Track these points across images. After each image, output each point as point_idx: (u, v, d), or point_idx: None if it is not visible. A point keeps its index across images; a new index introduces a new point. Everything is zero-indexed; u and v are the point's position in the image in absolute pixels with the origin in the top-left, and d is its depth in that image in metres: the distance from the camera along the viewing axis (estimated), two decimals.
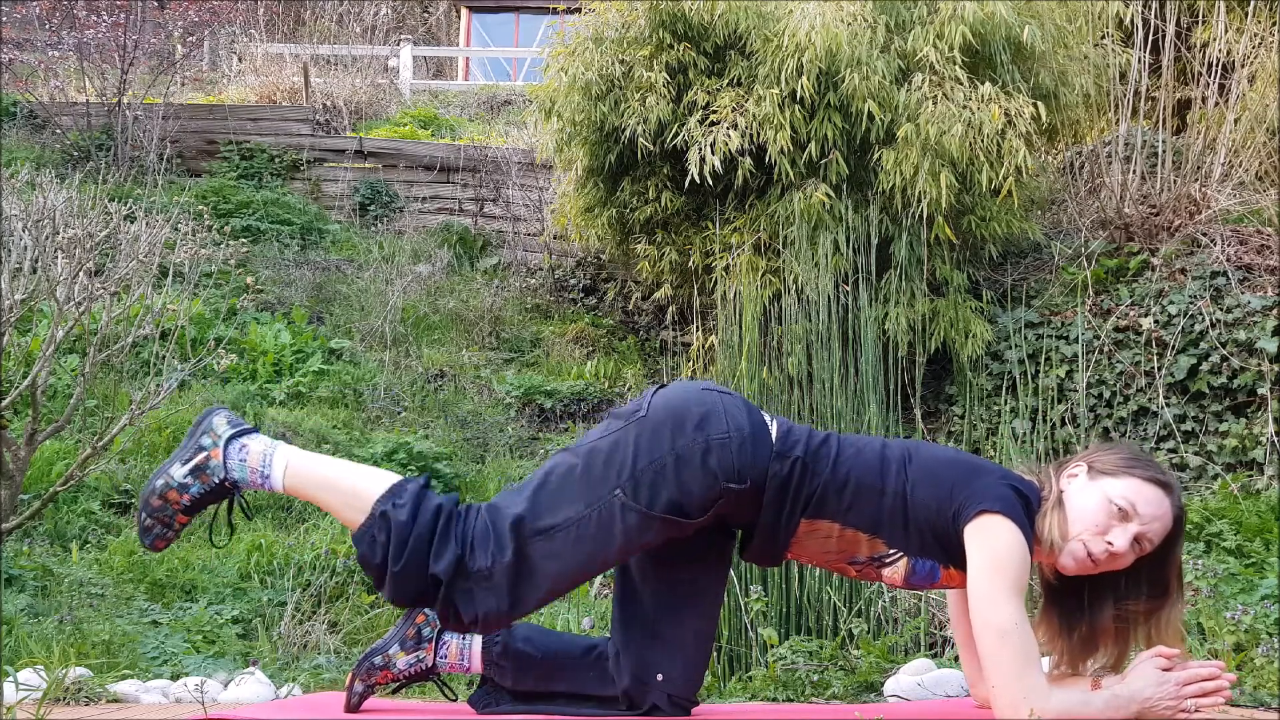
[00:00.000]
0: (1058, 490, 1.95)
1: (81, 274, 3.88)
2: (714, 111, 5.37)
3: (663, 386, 2.04)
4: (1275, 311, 4.71)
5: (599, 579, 4.24)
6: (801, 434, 1.99)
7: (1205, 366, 4.75)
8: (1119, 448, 2.00)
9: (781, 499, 1.95)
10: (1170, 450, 4.69)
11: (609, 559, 1.94)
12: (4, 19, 10.93)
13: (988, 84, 5.10)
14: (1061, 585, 2.01)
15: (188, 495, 1.95)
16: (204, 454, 1.96)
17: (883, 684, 2.58)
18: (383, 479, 1.94)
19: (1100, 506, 1.90)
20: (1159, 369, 4.82)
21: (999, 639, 1.80)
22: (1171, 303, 4.95)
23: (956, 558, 1.93)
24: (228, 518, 2.03)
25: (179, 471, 1.95)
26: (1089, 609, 1.99)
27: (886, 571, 1.98)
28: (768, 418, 2.00)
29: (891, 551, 1.96)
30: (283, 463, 1.94)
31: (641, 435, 1.92)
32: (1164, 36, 5.68)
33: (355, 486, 1.93)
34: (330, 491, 1.94)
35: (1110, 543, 1.88)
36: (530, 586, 1.89)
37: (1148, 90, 5.73)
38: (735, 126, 5.24)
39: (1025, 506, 1.90)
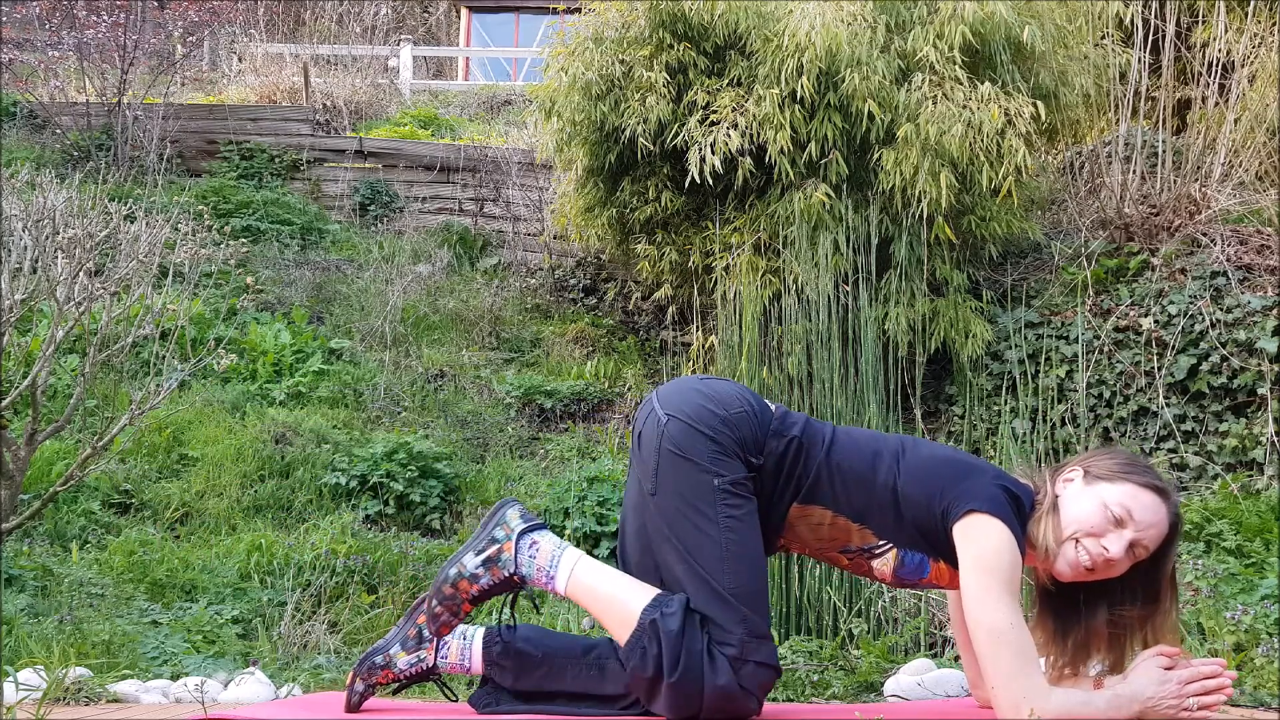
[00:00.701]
0: (1052, 495, 1.95)
1: (81, 274, 3.88)
2: (714, 111, 5.37)
3: (660, 390, 2.08)
4: (1275, 311, 4.71)
5: None
6: (799, 418, 2.05)
7: (1205, 366, 4.75)
8: (1116, 452, 2.01)
9: (775, 478, 1.99)
10: (1170, 450, 4.69)
11: (758, 525, 1.98)
12: (4, 19, 10.93)
13: (988, 84, 5.10)
14: (1057, 590, 2.01)
15: (477, 586, 2.04)
16: (497, 546, 2.04)
17: (883, 684, 2.58)
18: (647, 591, 1.97)
19: (1096, 511, 1.89)
20: (1159, 369, 4.82)
21: (994, 640, 1.80)
22: (1171, 303, 4.94)
23: (945, 554, 1.94)
24: (512, 606, 2.11)
25: (472, 561, 2.04)
26: (1084, 614, 1.99)
27: (876, 564, 2.01)
28: (769, 403, 2.07)
29: (881, 543, 1.98)
30: (568, 570, 2.01)
31: (679, 441, 1.97)
32: (1164, 36, 5.68)
33: (625, 598, 1.97)
34: (607, 603, 1.99)
35: (1105, 548, 1.88)
36: (759, 607, 1.93)
37: (1148, 90, 5.73)
38: (735, 126, 5.24)
39: (1016, 508, 1.90)
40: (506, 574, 2.03)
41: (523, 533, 2.04)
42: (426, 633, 2.14)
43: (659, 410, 2.02)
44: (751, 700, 1.90)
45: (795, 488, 1.99)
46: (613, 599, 1.97)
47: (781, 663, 2.76)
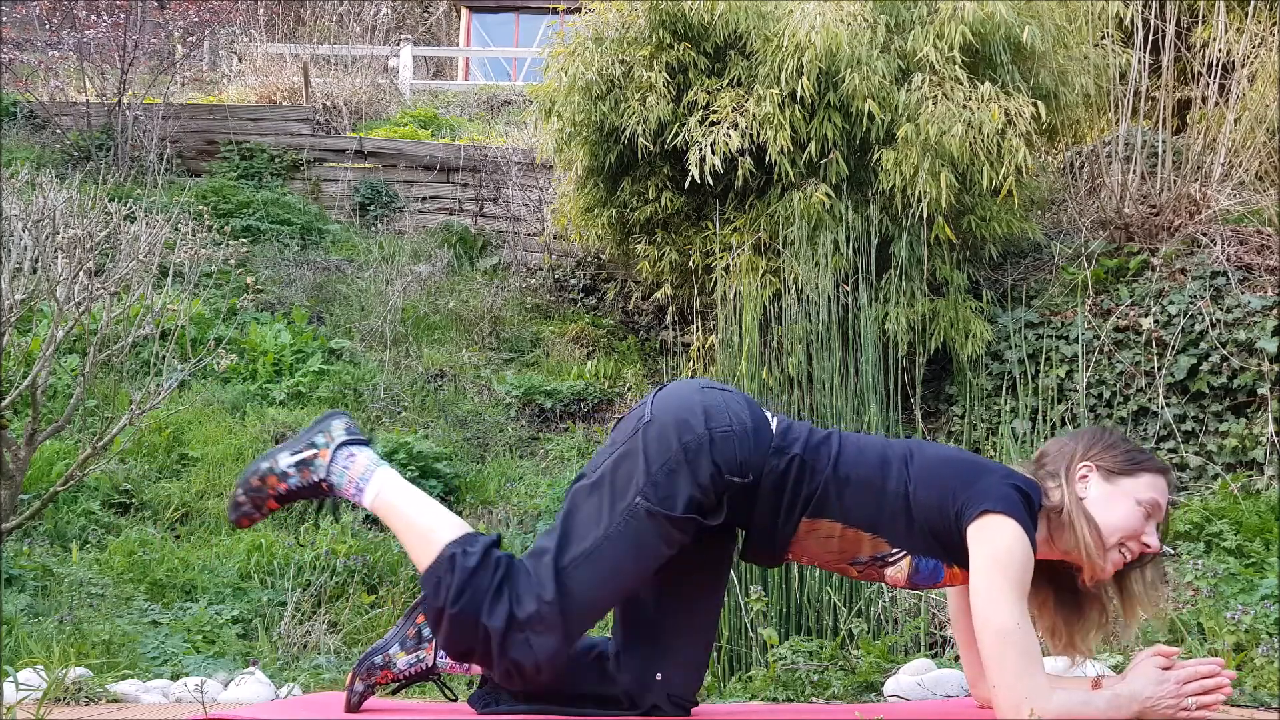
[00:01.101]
0: (1075, 498, 1.94)
1: (81, 274, 3.88)
2: (714, 111, 5.37)
3: (662, 388, 2.05)
4: (1275, 311, 4.71)
5: None
6: (801, 431, 2.00)
7: (1205, 366, 4.75)
8: (1109, 438, 2.00)
9: (778, 496, 1.95)
10: (1170, 450, 4.69)
11: (647, 567, 1.94)
12: (4, 19, 10.93)
13: (988, 84, 5.10)
14: (1063, 573, 2.02)
15: (285, 484, 2.01)
16: (314, 451, 2.02)
17: (883, 684, 2.58)
18: (458, 526, 1.97)
19: (1132, 511, 1.92)
20: (1159, 369, 4.82)
21: (1001, 639, 1.80)
22: (1171, 303, 4.94)
23: (959, 557, 1.93)
24: (316, 512, 2.08)
25: (285, 460, 2.02)
26: (1088, 592, 2.01)
27: (889, 571, 1.98)
28: (769, 414, 2.01)
29: (894, 551, 1.96)
30: (378, 485, 2.00)
31: (649, 440, 1.93)
32: (1164, 36, 5.68)
33: (431, 527, 1.96)
34: (409, 528, 1.98)
35: (1147, 544, 1.93)
36: (579, 618, 1.91)
37: (1148, 90, 5.73)
38: (735, 126, 5.24)
39: (1028, 506, 1.91)
40: (316, 479, 2.00)
41: (343, 444, 2.02)
42: (426, 632, 2.14)
43: (648, 410, 1.99)
44: (509, 665, 1.87)
45: (804, 503, 1.95)
46: (418, 524, 1.97)
47: (781, 662, 2.76)
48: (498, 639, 1.86)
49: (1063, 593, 2.02)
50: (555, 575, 1.88)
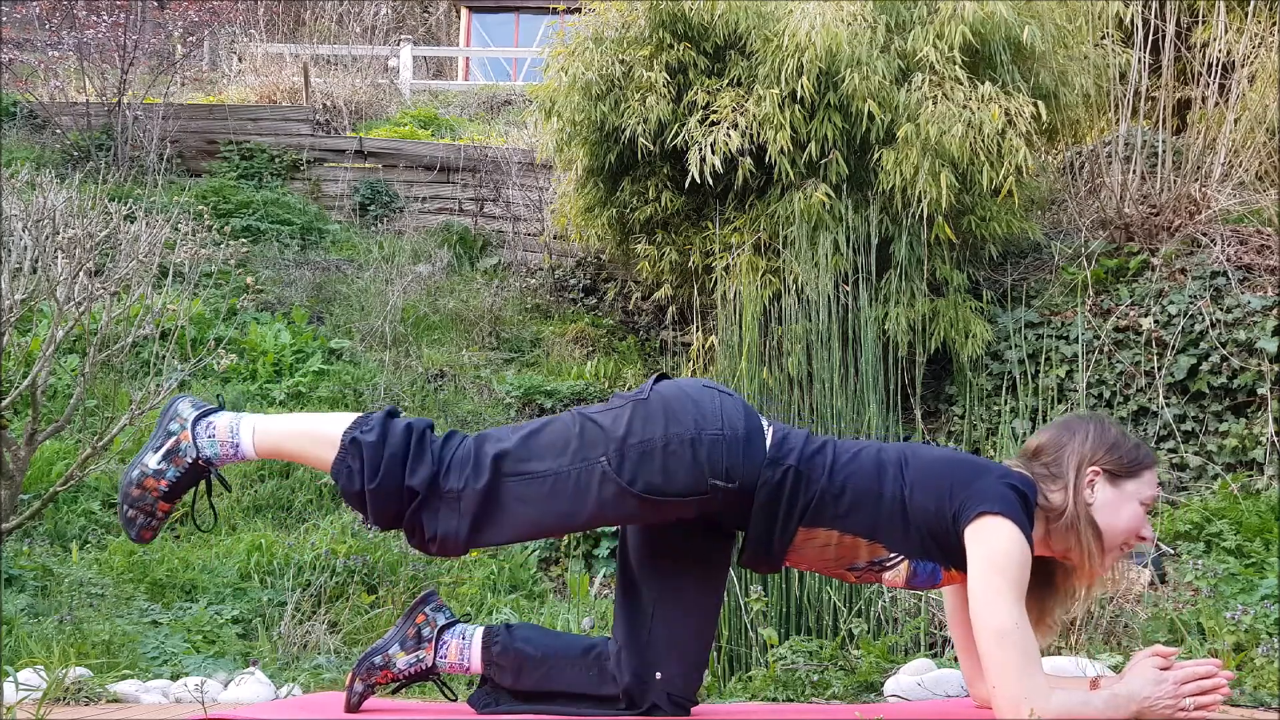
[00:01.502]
0: (1084, 505, 1.94)
1: (81, 274, 3.89)
2: (714, 111, 5.37)
3: (666, 376, 2.05)
4: (1275, 311, 4.71)
5: (599, 577, 4.24)
6: (797, 441, 1.98)
7: (1205, 366, 4.75)
8: (1108, 436, 2.00)
9: (774, 507, 1.94)
10: (1170, 450, 4.69)
11: (575, 522, 1.95)
12: (4, 19, 10.93)
13: (988, 84, 5.10)
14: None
15: (164, 480, 1.97)
16: (173, 438, 1.99)
17: (883, 684, 2.58)
18: (347, 416, 1.98)
19: (1136, 513, 1.97)
20: (1159, 369, 4.82)
21: (998, 639, 1.80)
22: (1171, 303, 4.94)
23: (957, 559, 1.93)
24: (208, 496, 2.05)
25: (152, 460, 1.98)
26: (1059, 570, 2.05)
27: (888, 575, 1.98)
28: (765, 423, 1.99)
29: (892, 555, 1.96)
30: (249, 428, 1.98)
31: (636, 415, 1.93)
32: (1164, 36, 5.68)
33: (321, 428, 1.97)
34: (300, 440, 1.97)
35: (1144, 536, 1.99)
36: (492, 521, 1.91)
37: (1148, 90, 5.73)
38: (735, 126, 5.24)
39: (1024, 505, 1.91)
40: (190, 460, 1.97)
41: (197, 418, 2.00)
42: (426, 632, 2.15)
43: (648, 390, 2.00)
44: (413, 523, 1.90)
45: (801, 513, 1.95)
46: (309, 435, 1.97)
47: (781, 662, 2.77)
48: (420, 499, 1.88)
49: (1040, 575, 2.03)
50: (493, 472, 1.90)
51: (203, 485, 2.02)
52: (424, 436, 1.93)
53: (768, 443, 1.96)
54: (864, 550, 1.96)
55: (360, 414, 1.97)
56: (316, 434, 1.96)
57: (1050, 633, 2.07)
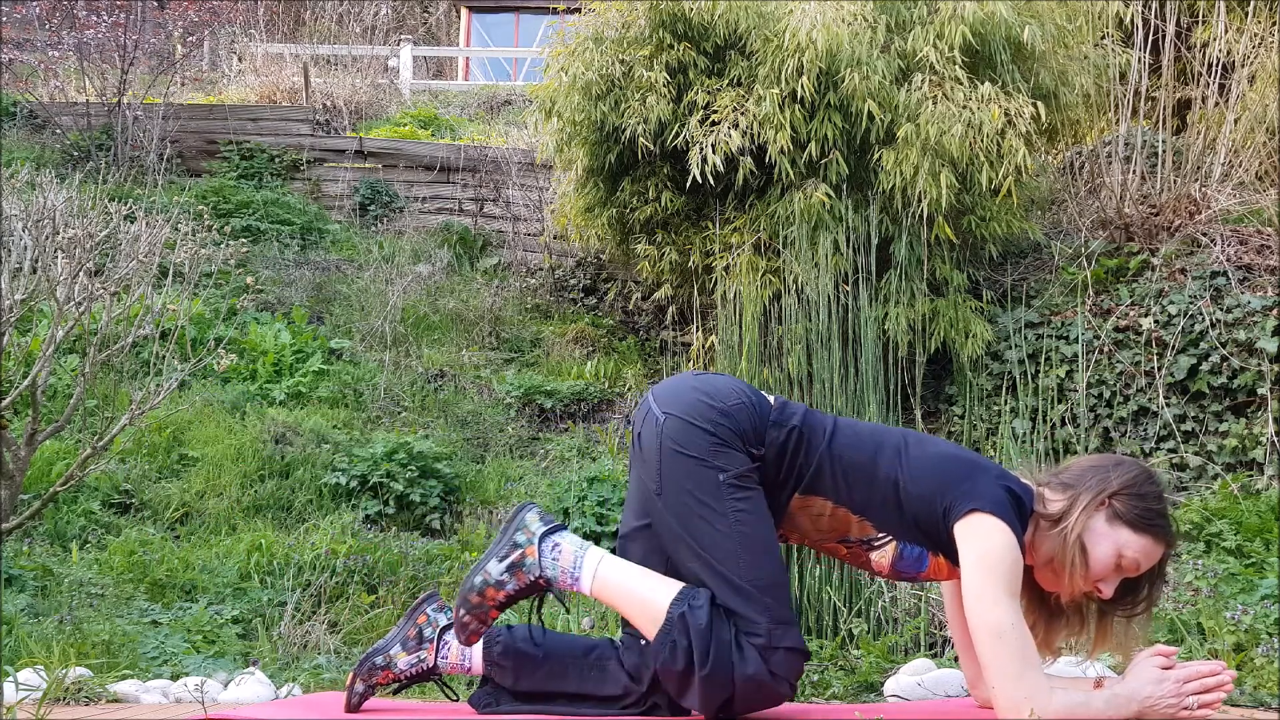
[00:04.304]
0: (1083, 526, 1.92)
1: (81, 274, 3.88)
2: (714, 111, 5.37)
3: (655, 385, 2.09)
4: (1275, 311, 4.71)
5: None
6: (799, 408, 2.06)
7: (1205, 366, 4.75)
8: (1143, 487, 1.96)
9: (776, 469, 2.00)
10: (1170, 450, 4.69)
11: (767, 514, 1.99)
12: (4, 19, 10.93)
13: (988, 84, 5.10)
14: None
15: (504, 592, 2.03)
16: (520, 551, 2.03)
17: (883, 684, 2.58)
18: (672, 584, 1.98)
19: (1109, 559, 1.92)
20: (1159, 369, 4.82)
21: (996, 640, 1.80)
22: (1171, 303, 4.94)
23: (944, 549, 1.94)
24: (537, 611, 2.12)
25: (496, 569, 2.03)
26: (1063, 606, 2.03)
27: (874, 556, 2.01)
28: (764, 394, 2.09)
29: (880, 535, 1.99)
30: (592, 569, 2.01)
31: (679, 437, 1.97)
32: (1164, 36, 5.68)
33: (651, 591, 1.98)
34: (629, 599, 2.00)
35: (1101, 589, 1.94)
36: (779, 605, 1.94)
37: (1148, 90, 5.72)
38: (735, 126, 5.24)
39: (1018, 508, 1.91)
40: (531, 578, 2.02)
41: (544, 535, 2.04)
42: (427, 632, 2.15)
43: (656, 409, 2.02)
44: (783, 685, 1.92)
45: (797, 477, 1.99)
46: (639, 595, 1.98)
47: None
48: (764, 677, 1.89)
49: (1047, 595, 2.03)
50: (741, 592, 1.92)
51: (535, 599, 2.09)
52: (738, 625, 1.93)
53: (770, 406, 2.05)
54: (854, 526, 2.01)
55: (685, 587, 1.97)
56: (648, 599, 1.97)
57: (1054, 655, 2.06)
